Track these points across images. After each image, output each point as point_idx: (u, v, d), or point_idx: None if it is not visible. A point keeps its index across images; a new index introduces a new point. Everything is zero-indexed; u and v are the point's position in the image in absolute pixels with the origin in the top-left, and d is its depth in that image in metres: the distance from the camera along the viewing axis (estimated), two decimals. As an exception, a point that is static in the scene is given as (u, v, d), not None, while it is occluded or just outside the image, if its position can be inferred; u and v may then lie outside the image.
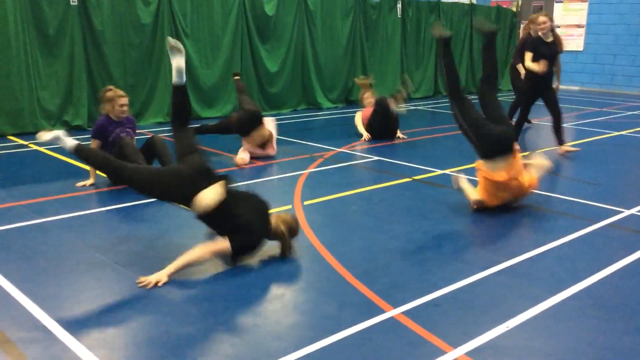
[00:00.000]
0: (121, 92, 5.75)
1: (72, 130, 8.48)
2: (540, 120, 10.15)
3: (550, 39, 7.24)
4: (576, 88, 15.70)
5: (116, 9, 8.80)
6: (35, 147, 7.35)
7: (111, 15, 8.77)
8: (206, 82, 9.91)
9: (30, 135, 8.05)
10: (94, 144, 5.64)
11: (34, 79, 8.23)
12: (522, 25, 10.24)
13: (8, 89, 7.99)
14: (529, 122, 9.63)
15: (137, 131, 6.21)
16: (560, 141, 7.49)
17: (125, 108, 5.72)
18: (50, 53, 8.35)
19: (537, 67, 7.12)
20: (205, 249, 3.69)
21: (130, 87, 9.03)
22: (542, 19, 7.19)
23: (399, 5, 12.74)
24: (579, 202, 5.36)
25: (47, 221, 4.62)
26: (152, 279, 3.51)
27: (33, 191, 5.41)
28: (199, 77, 9.81)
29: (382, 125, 8.10)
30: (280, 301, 3.39)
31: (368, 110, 8.35)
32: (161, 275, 3.53)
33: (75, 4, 8.44)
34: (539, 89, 7.39)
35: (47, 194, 5.34)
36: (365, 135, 8.14)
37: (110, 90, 5.74)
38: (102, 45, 8.74)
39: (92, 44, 8.69)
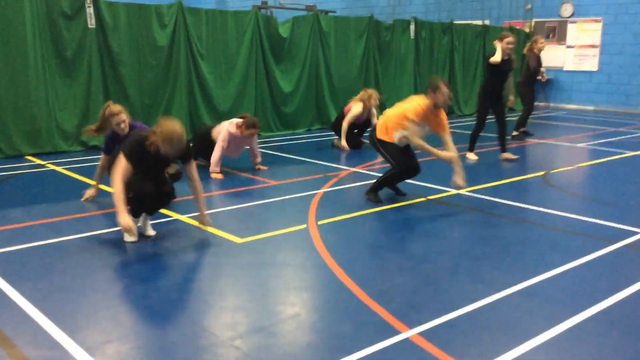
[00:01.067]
0: (116, 110, 5.51)
1: (88, 150, 8.59)
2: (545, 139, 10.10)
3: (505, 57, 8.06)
4: (591, 108, 15.64)
5: (133, 31, 8.94)
6: (52, 167, 7.44)
7: (128, 38, 8.91)
8: (221, 102, 10.00)
9: (48, 155, 8.16)
10: (103, 159, 5.64)
11: (52, 100, 8.36)
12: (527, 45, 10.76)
13: (27, 110, 8.11)
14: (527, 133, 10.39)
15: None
16: (503, 149, 8.22)
17: (123, 125, 5.50)
18: (68, 75, 8.49)
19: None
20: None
21: (147, 107, 9.15)
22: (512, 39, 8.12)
23: (412, 27, 12.82)
24: (596, 222, 5.31)
25: (64, 240, 4.66)
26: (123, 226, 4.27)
27: (50, 210, 5.47)
28: (214, 97, 9.91)
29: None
30: (295, 321, 3.38)
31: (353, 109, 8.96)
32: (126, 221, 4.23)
33: (93, 26, 8.59)
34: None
35: (65, 213, 5.39)
36: (344, 145, 8.88)
37: (107, 107, 5.54)
38: (119, 67, 8.87)
39: (109, 66, 8.82)
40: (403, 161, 5.90)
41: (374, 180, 6.10)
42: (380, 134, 5.93)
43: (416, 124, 5.68)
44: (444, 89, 5.73)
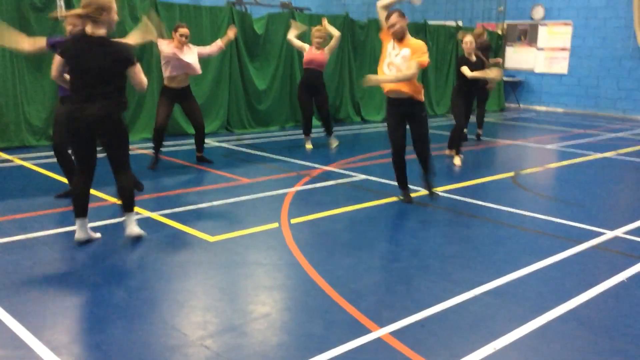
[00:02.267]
0: None
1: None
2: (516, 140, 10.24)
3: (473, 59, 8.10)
4: (560, 110, 15.91)
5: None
6: (20, 162, 7.28)
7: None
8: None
9: (15, 150, 7.99)
10: None
11: (21, 93, 8.17)
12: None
13: (-6, 103, 7.93)
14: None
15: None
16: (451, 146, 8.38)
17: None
18: (37, 68, 8.31)
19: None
20: None
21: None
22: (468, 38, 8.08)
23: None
24: (564, 223, 5.41)
25: (31, 237, 4.56)
26: None
27: (17, 206, 5.35)
28: (187, 94, 9.79)
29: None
30: (266, 320, 3.37)
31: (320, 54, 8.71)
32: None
33: (64, 19, 8.42)
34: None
35: (32, 209, 5.28)
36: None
37: None
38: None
39: (80, 60, 8.65)
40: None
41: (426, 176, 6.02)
42: (417, 93, 5.71)
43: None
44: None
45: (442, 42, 14.24)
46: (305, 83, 8.82)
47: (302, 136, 9.18)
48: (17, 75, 8.10)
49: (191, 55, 7.29)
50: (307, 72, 8.73)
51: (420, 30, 13.76)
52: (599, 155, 9.08)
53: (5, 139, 8.07)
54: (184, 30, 7.17)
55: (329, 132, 9.13)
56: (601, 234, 5.09)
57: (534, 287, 3.92)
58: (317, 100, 8.88)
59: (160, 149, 7.27)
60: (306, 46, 8.78)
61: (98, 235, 4.57)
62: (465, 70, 7.85)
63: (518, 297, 3.75)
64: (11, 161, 7.36)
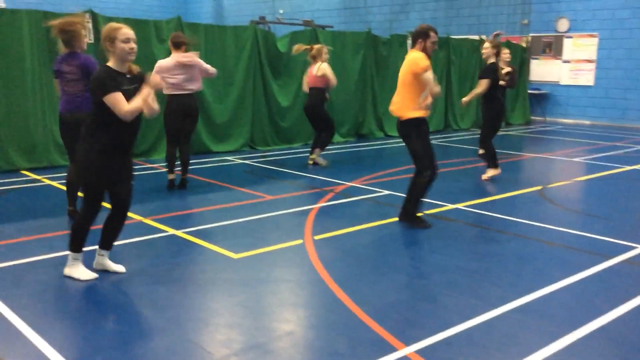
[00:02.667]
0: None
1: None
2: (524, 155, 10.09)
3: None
4: (587, 122, 15.69)
5: (131, 46, 8.94)
6: (48, 182, 7.41)
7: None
8: (219, 116, 10.00)
9: (44, 170, 8.14)
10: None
11: (49, 114, 8.34)
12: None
13: (23, 125, 8.10)
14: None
15: (149, 165, 6.21)
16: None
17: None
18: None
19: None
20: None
21: (144, 121, 9.10)
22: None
23: (409, 41, 12.85)
24: (593, 237, 5.30)
25: (58, 256, 4.62)
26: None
27: (45, 226, 5.43)
28: (212, 112, 9.91)
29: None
30: (290, 338, 3.35)
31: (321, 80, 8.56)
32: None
33: (92, 41, 8.60)
34: None
35: (59, 228, 5.36)
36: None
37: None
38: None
39: (106, 80, 8.81)
40: (432, 159, 5.51)
41: (403, 203, 5.62)
42: (402, 111, 5.50)
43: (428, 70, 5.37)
44: (431, 31, 5.50)
45: (465, 56, 14.19)
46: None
47: (326, 152, 9.20)
48: (46, 96, 8.28)
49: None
50: (310, 90, 8.79)
51: (442, 45, 13.72)
52: (627, 168, 8.91)
53: (34, 159, 8.23)
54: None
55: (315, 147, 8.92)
56: (631, 248, 4.97)
57: (563, 304, 3.83)
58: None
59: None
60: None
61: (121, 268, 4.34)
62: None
63: (547, 313, 3.67)
64: (40, 181, 7.50)
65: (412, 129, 5.48)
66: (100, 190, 4.05)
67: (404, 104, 5.50)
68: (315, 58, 8.60)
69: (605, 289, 4.11)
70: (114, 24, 4.04)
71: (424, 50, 5.46)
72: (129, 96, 3.92)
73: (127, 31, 4.00)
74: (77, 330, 3.38)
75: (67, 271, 4.16)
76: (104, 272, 4.32)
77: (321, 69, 8.52)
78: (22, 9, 8.05)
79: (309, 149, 9.10)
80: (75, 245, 4.15)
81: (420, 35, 5.49)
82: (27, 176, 7.78)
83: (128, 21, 8.97)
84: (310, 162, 8.82)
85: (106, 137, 3.91)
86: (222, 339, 3.33)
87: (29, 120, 8.14)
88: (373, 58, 12.25)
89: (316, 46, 8.74)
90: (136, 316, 3.60)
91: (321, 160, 8.78)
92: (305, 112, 8.90)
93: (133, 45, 4.01)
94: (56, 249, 4.77)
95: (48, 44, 8.24)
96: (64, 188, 7.01)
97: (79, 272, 4.14)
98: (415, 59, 5.40)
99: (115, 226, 4.24)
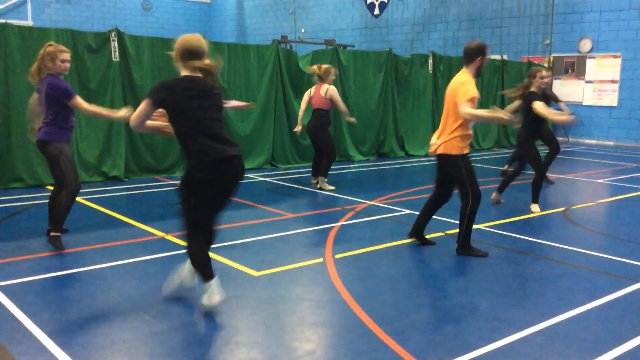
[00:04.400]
0: (62, 47, 5.27)
1: (109, 181, 8.67)
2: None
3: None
4: (611, 143, 15.50)
5: (156, 64, 9.09)
6: (72, 197, 7.50)
7: (151, 70, 9.06)
8: (240, 134, 10.08)
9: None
10: (79, 98, 5.29)
11: (75, 130, 8.47)
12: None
13: (49, 140, 8.23)
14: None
15: (172, 182, 6.27)
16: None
17: (67, 64, 5.25)
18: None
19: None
20: None
21: (168, 139, 9.22)
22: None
23: (430, 61, 12.90)
24: (618, 260, 5.21)
25: (82, 271, 4.67)
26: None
27: (69, 241, 5.49)
28: (234, 129, 9.99)
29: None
30: (311, 357, 3.33)
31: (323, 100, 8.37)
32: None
33: (117, 59, 8.76)
34: None
35: (83, 243, 5.42)
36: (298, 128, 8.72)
37: (51, 45, 5.21)
38: (142, 99, 8.94)
39: (131, 98, 8.95)
40: (477, 185, 5.18)
41: (458, 234, 5.32)
42: (446, 149, 5.16)
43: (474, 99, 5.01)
44: (486, 48, 5.18)
45: (487, 76, 14.17)
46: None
47: (347, 171, 9.18)
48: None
49: None
50: (313, 112, 8.60)
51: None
52: (653, 190, 8.76)
53: (60, 174, 8.34)
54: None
55: (317, 173, 8.52)
56: (659, 272, 4.87)
57: (588, 328, 3.76)
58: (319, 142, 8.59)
59: None
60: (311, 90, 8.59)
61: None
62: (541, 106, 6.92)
63: (571, 338, 3.61)
64: (64, 196, 7.59)
65: (452, 163, 5.17)
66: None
67: (447, 139, 5.15)
68: (322, 78, 8.39)
69: (632, 313, 4.03)
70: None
71: (478, 69, 5.17)
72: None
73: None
74: (100, 346, 3.40)
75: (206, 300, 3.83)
76: (128, 287, 4.34)
77: (330, 91, 8.31)
78: (49, 27, 8.22)
79: (333, 167, 9.08)
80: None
81: (479, 51, 5.14)
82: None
83: (153, 40, 9.13)
84: (316, 183, 8.47)
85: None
86: (243, 357, 3.32)
87: (55, 137, 8.27)
88: (394, 77, 12.28)
89: (324, 66, 8.48)
90: (158, 333, 3.60)
91: (327, 186, 8.31)
92: (310, 133, 8.65)
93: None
94: (80, 263, 4.82)
95: (75, 60, 8.40)
96: (89, 204, 7.11)
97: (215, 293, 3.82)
98: (465, 89, 4.97)
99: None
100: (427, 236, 5.65)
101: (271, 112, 10.44)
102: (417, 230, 5.56)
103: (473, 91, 4.96)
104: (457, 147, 5.11)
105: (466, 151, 5.15)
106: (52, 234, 5.26)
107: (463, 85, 5.00)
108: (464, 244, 5.30)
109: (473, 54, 5.16)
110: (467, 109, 4.93)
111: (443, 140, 5.18)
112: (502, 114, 5.02)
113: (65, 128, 5.29)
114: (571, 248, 5.57)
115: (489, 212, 6.75)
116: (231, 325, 3.74)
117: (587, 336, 3.63)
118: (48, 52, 5.14)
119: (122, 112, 5.25)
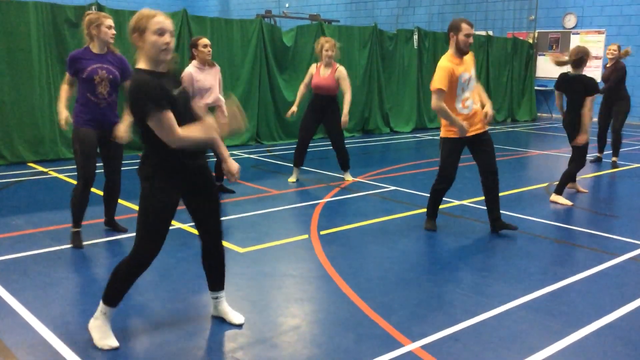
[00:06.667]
0: (104, 13, 4.75)
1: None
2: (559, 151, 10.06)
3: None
4: (594, 119, 15.59)
5: (137, 39, 8.94)
6: (55, 174, 7.43)
7: (132, 44, 8.90)
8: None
9: (50, 162, 8.16)
10: (67, 77, 4.74)
11: (56, 107, 8.34)
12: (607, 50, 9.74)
13: (30, 117, 8.12)
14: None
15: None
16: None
17: (113, 31, 4.68)
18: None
19: None
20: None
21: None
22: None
23: (415, 36, 12.84)
24: (600, 235, 5.28)
25: (65, 248, 4.64)
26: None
27: (52, 218, 5.45)
28: (217, 106, 9.90)
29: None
30: (296, 333, 3.35)
31: (327, 79, 7.02)
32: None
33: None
34: None
35: (67, 221, 5.36)
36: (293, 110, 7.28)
37: (91, 13, 4.76)
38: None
39: (113, 73, 8.83)
40: (449, 171, 5.20)
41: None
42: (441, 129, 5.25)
43: (451, 83, 4.96)
44: (464, 25, 5.08)
45: (471, 52, 14.13)
46: (311, 107, 7.27)
47: (332, 147, 7.82)
48: (53, 89, 8.29)
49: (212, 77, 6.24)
50: (316, 97, 7.18)
51: (449, 40, 13.69)
52: (634, 165, 8.87)
53: (41, 152, 8.25)
54: (205, 40, 6.17)
55: (344, 166, 7.43)
56: (638, 246, 4.95)
57: (569, 301, 3.82)
58: (326, 125, 7.34)
59: None
60: (313, 68, 7.22)
61: None
62: None
63: (553, 311, 3.66)
64: (46, 174, 7.52)
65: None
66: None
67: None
68: (335, 54, 7.06)
69: (612, 286, 4.09)
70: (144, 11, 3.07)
71: (457, 47, 5.11)
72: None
73: (161, 19, 2.99)
74: (82, 321, 3.39)
75: (90, 325, 3.19)
76: (109, 262, 4.33)
77: (343, 73, 7.15)
78: (29, 0, 8.05)
79: (315, 145, 9.05)
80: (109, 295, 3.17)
81: (451, 29, 5.13)
82: (34, 168, 7.80)
83: (134, 14, 8.96)
84: (349, 180, 7.42)
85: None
86: (229, 333, 3.33)
87: (35, 113, 8.16)
88: (379, 53, 12.22)
89: (337, 44, 7.18)
90: (141, 309, 3.60)
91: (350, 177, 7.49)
92: (315, 113, 7.25)
93: (169, 39, 2.98)
94: (64, 241, 4.78)
95: (55, 35, 8.25)
96: (72, 181, 7.04)
97: (101, 334, 3.13)
98: (437, 74, 5.00)
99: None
100: (413, 212, 5.67)
101: (255, 88, 10.36)
102: (493, 220, 5.33)
103: (437, 82, 4.93)
104: (442, 130, 5.22)
105: (447, 135, 5.14)
106: (71, 230, 4.78)
107: (435, 73, 5.05)
108: (427, 213, 5.43)
109: (448, 33, 5.22)
110: (435, 102, 4.97)
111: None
112: (464, 126, 4.95)
113: (82, 110, 4.64)
114: (553, 223, 5.63)
115: (472, 188, 6.79)
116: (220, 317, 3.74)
117: (568, 309, 3.69)
118: (91, 19, 4.61)
119: (63, 116, 4.65)
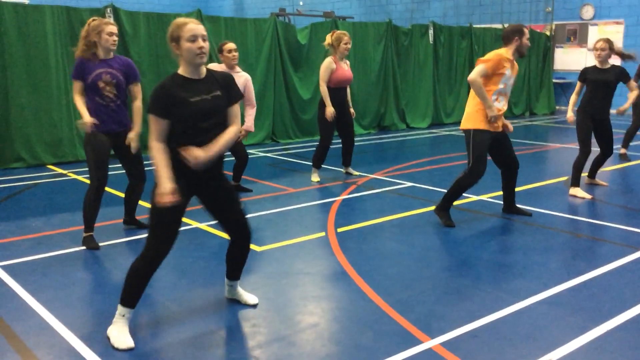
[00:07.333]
0: (107, 19, 4.84)
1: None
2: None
3: (607, 66, 6.70)
4: (613, 111, 15.37)
5: (152, 40, 9.01)
6: (73, 176, 7.50)
7: (148, 47, 8.97)
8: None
9: (69, 164, 8.24)
10: (76, 85, 4.67)
11: (73, 109, 8.43)
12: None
13: (48, 120, 8.21)
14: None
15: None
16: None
17: (115, 38, 4.69)
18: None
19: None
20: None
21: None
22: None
23: (431, 31, 12.75)
24: (621, 228, 5.20)
25: (84, 249, 4.67)
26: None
27: (71, 220, 5.50)
28: (233, 105, 9.93)
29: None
30: (315, 330, 3.34)
31: (349, 71, 7.01)
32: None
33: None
34: None
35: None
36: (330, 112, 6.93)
37: (94, 19, 4.72)
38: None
39: (129, 75, 8.89)
40: (484, 165, 5.21)
41: (444, 195, 5.37)
42: (465, 122, 5.28)
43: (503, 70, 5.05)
44: (526, 30, 5.17)
45: (488, 46, 14.01)
46: (335, 104, 6.99)
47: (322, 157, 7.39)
48: (70, 91, 8.34)
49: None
50: (338, 91, 6.99)
51: (465, 34, 13.59)
52: (656, 157, 8.72)
53: (59, 154, 8.34)
54: (231, 45, 6.31)
55: (349, 161, 7.52)
56: (662, 239, 4.87)
57: (591, 296, 3.76)
58: (345, 118, 7.23)
59: None
60: (331, 63, 6.90)
61: None
62: None
63: (575, 306, 3.61)
64: (65, 175, 7.59)
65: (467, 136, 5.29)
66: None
67: (468, 112, 5.30)
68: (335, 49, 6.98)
69: (635, 280, 4.02)
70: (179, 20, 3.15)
71: (518, 50, 5.16)
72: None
73: (193, 27, 3.08)
74: (101, 321, 3.42)
75: (109, 330, 3.22)
76: (126, 262, 4.35)
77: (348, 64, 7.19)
78: (44, 4, 8.13)
79: (334, 141, 8.97)
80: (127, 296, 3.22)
81: (516, 32, 5.15)
82: (53, 171, 7.88)
83: (150, 15, 9.02)
84: (356, 174, 7.51)
85: None
86: (247, 331, 3.33)
87: (54, 116, 8.24)
88: (394, 49, 12.15)
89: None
90: (160, 308, 3.62)
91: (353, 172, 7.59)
92: (338, 111, 7.08)
93: (202, 43, 3.07)
94: (81, 242, 4.82)
95: (71, 37, 8.33)
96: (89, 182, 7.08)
97: (118, 335, 3.16)
98: (493, 52, 5.12)
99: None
100: (430, 208, 5.63)
101: (270, 86, 10.36)
102: (508, 205, 5.65)
103: (491, 62, 5.01)
104: (471, 122, 5.19)
105: (480, 126, 5.14)
106: (83, 234, 4.79)
107: (489, 53, 5.17)
108: (442, 206, 5.36)
109: (510, 35, 5.17)
110: (473, 74, 5.04)
111: (464, 115, 5.33)
112: (494, 108, 5.08)
113: (93, 115, 4.60)
114: (574, 217, 5.56)
115: (490, 183, 6.72)
116: (234, 300, 3.74)
117: (589, 304, 3.64)
118: (93, 26, 4.66)
119: (87, 119, 4.54)
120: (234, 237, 3.49)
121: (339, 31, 7.14)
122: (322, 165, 7.62)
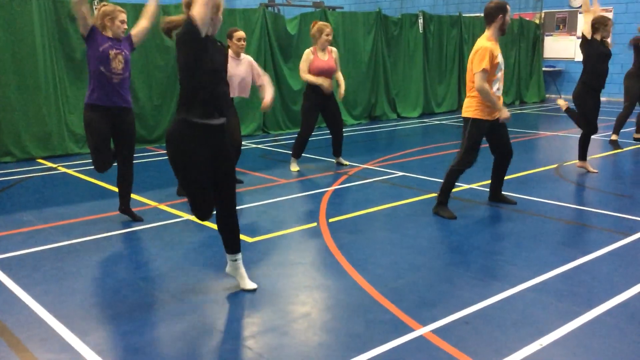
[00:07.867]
0: (119, 7, 5.01)
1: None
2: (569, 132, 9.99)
3: None
4: (604, 99, 15.42)
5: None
6: (63, 170, 7.47)
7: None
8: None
9: (59, 158, 8.19)
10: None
11: (62, 102, 8.38)
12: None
13: (37, 113, 8.14)
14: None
15: (158, 151, 6.22)
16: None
17: (125, 25, 4.94)
18: (77, 77, 8.50)
19: None
20: None
21: (157, 107, 9.15)
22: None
23: (420, 21, 12.73)
24: (611, 214, 5.24)
25: (76, 242, 4.66)
26: None
27: (62, 213, 5.48)
28: (223, 97, 9.89)
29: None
30: (307, 320, 3.36)
31: (329, 61, 7.01)
32: None
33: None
34: None
35: (76, 215, 5.40)
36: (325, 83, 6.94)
37: (106, 4, 4.97)
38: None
39: (118, 67, 8.83)
40: (476, 153, 5.30)
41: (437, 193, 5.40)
42: (465, 110, 5.24)
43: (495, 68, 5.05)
44: (508, 6, 5.15)
45: (478, 35, 14.00)
46: (312, 95, 7.09)
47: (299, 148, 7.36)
48: (59, 84, 8.31)
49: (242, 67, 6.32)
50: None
51: (455, 23, 13.58)
52: (645, 144, 8.78)
53: (49, 147, 8.28)
54: (240, 34, 6.36)
55: (339, 151, 7.50)
56: (650, 225, 4.91)
57: (581, 282, 3.80)
58: (330, 109, 7.24)
59: None
60: (309, 54, 7.05)
61: None
62: None
63: (564, 292, 3.64)
64: (55, 169, 7.56)
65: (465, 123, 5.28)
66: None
67: (467, 101, 5.25)
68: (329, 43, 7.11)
69: (624, 266, 4.07)
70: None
71: (501, 28, 5.15)
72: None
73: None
74: (93, 315, 3.42)
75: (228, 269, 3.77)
76: (119, 256, 4.35)
77: (336, 52, 7.22)
78: (32, -3, 8.04)
79: (320, 133, 9.04)
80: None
81: (499, 10, 5.12)
82: (43, 164, 7.84)
83: (137, 6, 8.94)
84: (346, 164, 7.50)
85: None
86: (240, 321, 3.34)
87: (42, 109, 8.17)
88: (384, 38, 12.13)
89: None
90: (153, 300, 3.62)
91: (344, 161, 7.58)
92: (317, 103, 7.15)
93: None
94: (73, 235, 4.81)
95: (58, 30, 8.26)
96: (80, 176, 7.07)
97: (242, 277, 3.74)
98: (479, 56, 4.99)
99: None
100: (421, 197, 5.65)
101: (261, 77, 10.31)
102: (494, 192, 5.69)
103: (486, 62, 4.96)
104: (471, 111, 5.16)
105: (480, 116, 5.13)
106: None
107: (476, 54, 5.03)
108: (439, 202, 5.34)
109: (494, 13, 5.14)
110: (479, 82, 4.98)
111: (465, 102, 5.29)
112: (504, 111, 5.15)
113: (94, 88, 4.85)
114: (563, 204, 5.59)
115: (482, 172, 6.75)
116: (226, 290, 3.75)
117: (579, 290, 3.67)
118: (106, 11, 4.91)
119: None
120: (221, 209, 3.68)
121: (320, 22, 7.17)
122: (314, 156, 7.61)
